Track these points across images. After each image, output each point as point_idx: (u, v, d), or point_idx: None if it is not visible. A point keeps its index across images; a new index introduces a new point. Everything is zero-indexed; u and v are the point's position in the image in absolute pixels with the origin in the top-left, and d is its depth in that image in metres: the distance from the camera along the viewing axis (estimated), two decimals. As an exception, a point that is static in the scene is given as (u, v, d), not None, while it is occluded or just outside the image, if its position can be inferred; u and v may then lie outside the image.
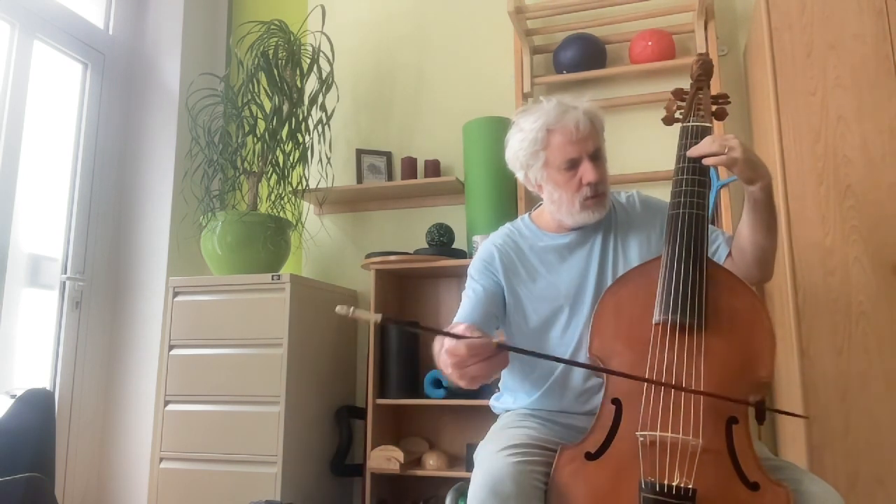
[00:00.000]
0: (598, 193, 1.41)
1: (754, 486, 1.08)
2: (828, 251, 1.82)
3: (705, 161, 1.30)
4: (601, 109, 1.46)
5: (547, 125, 1.39)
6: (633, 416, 1.17)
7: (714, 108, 1.46)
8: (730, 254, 1.42)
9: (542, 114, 1.41)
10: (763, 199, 1.29)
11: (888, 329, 1.75)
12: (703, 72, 1.48)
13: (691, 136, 1.37)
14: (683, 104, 1.48)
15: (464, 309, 1.46)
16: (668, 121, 1.51)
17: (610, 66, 2.56)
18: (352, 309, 1.00)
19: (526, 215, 1.59)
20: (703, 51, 2.38)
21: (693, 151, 1.32)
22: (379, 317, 1.04)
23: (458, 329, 1.11)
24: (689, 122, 1.42)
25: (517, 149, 1.45)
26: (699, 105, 1.44)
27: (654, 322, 1.23)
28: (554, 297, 1.43)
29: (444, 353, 1.10)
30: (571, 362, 1.35)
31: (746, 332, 1.21)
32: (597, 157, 1.41)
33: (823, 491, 1.12)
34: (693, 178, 1.33)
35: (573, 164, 1.39)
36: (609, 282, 1.41)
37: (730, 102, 1.48)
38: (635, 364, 1.22)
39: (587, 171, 1.38)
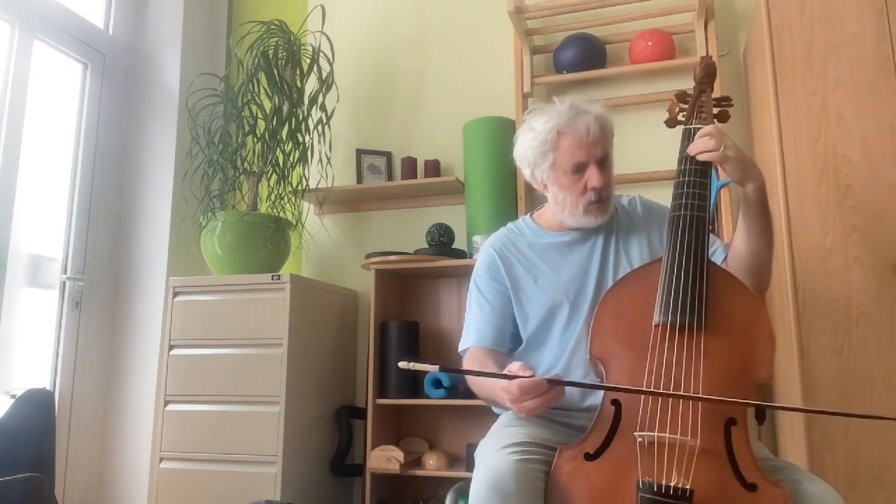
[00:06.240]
0: (601, 199, 1.42)
1: (752, 487, 1.08)
2: (828, 251, 1.82)
3: (700, 156, 1.32)
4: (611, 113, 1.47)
5: (558, 127, 1.40)
6: (633, 416, 1.17)
7: (716, 110, 1.47)
8: (725, 259, 1.43)
9: (554, 115, 1.42)
10: (756, 200, 1.30)
11: (888, 329, 1.75)
12: (706, 74, 1.49)
13: (693, 139, 1.38)
14: (686, 106, 1.49)
15: (474, 325, 1.49)
16: (671, 123, 1.51)
17: (610, 66, 2.56)
18: (412, 363, 1.11)
19: (528, 215, 1.61)
20: (704, 51, 2.38)
21: (692, 148, 1.33)
22: (436, 367, 1.13)
23: (514, 368, 1.18)
24: (691, 124, 1.43)
25: (526, 147, 1.46)
26: (702, 107, 1.45)
27: (654, 324, 1.24)
28: (555, 294, 1.44)
29: (501, 389, 1.20)
30: (608, 387, 1.22)
31: (746, 332, 1.22)
32: (604, 163, 1.43)
33: (823, 491, 1.12)
34: (694, 179, 1.34)
35: (580, 168, 1.41)
36: (609, 281, 1.42)
37: (732, 105, 1.49)
38: (635, 366, 1.22)
39: (593, 177, 1.40)
